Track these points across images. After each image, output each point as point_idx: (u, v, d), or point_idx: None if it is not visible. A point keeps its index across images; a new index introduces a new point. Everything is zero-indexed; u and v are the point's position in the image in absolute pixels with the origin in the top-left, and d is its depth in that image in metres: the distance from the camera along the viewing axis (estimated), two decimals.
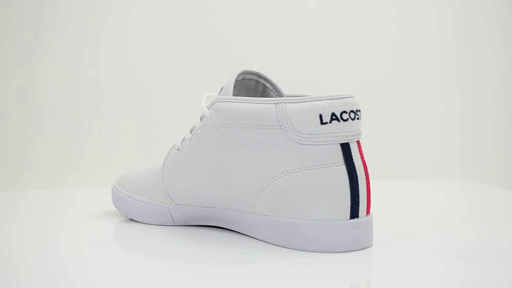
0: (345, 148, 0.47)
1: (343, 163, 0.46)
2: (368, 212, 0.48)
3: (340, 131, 0.46)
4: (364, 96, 1.32)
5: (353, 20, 1.21)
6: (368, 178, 0.48)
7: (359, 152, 0.48)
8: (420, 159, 1.13)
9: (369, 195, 0.48)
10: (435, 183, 0.93)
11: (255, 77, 0.55)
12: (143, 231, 0.55)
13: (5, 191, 0.87)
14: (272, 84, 0.56)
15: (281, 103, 0.47)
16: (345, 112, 0.47)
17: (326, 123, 0.46)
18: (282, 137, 0.47)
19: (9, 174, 1.02)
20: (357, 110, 0.48)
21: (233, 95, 0.54)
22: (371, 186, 0.48)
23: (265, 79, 0.56)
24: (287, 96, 0.55)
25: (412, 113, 1.19)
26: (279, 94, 0.56)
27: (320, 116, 0.46)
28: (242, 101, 0.49)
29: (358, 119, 0.48)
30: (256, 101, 0.48)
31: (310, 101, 0.46)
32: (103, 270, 0.44)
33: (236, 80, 0.54)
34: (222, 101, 0.50)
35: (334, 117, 0.46)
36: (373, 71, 1.20)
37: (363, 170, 0.47)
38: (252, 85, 0.56)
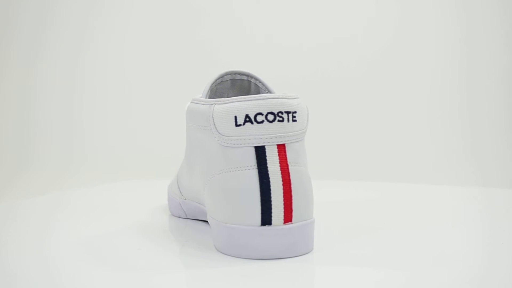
0: (259, 151, 0.45)
1: (255, 167, 0.45)
2: (287, 220, 0.45)
3: (254, 134, 0.45)
4: (362, 96, 1.20)
5: (351, 19, 1.20)
6: (288, 184, 0.45)
7: (279, 156, 0.45)
8: (419, 159, 1.11)
9: (289, 202, 0.45)
10: (432, 188, 0.84)
11: (245, 77, 0.56)
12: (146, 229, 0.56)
13: (7, 193, 0.89)
14: (263, 84, 0.55)
15: (213, 104, 0.48)
16: (260, 114, 0.45)
17: (240, 125, 0.45)
18: (212, 139, 0.48)
19: (10, 175, 1.04)
20: (279, 112, 0.45)
21: (232, 96, 0.55)
22: (294, 193, 0.45)
23: (256, 78, 0.56)
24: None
25: (411, 114, 1.18)
26: (270, 92, 0.55)
27: (235, 117, 0.45)
28: (197, 102, 0.51)
29: (280, 121, 0.45)
30: (202, 102, 0.50)
31: (231, 102, 0.46)
32: (104, 272, 0.44)
33: (231, 80, 0.56)
34: (190, 102, 0.53)
35: (247, 119, 0.45)
36: (371, 71, 1.19)
37: (280, 175, 0.45)
38: (247, 85, 0.57)
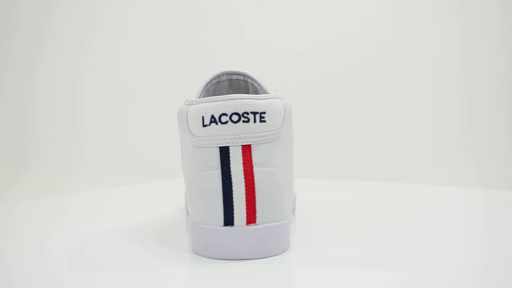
0: (223, 152, 0.45)
1: (219, 167, 0.45)
2: (250, 221, 0.45)
3: (219, 134, 0.45)
4: (362, 97, 1.18)
5: (351, 19, 1.18)
6: (251, 185, 0.45)
7: (243, 157, 0.45)
8: (420, 160, 1.11)
9: (251, 203, 0.45)
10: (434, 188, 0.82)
11: (241, 77, 0.56)
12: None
13: (7, 194, 0.89)
14: (259, 84, 0.55)
15: (189, 104, 0.48)
16: (224, 114, 0.45)
17: (206, 125, 0.46)
18: (187, 139, 0.49)
19: (9, 175, 1.04)
20: (244, 113, 0.45)
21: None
22: (258, 194, 0.45)
23: (252, 78, 0.56)
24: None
25: (412, 115, 1.17)
26: (265, 92, 0.55)
27: (203, 118, 0.46)
28: (185, 102, 0.52)
29: (245, 122, 0.45)
30: (186, 103, 0.51)
31: (201, 102, 0.47)
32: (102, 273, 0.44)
33: (228, 80, 0.57)
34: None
35: (213, 120, 0.45)
36: (372, 72, 1.19)
37: (242, 176, 0.45)
38: (244, 85, 0.57)
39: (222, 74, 0.55)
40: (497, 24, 1.16)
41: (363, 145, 1.18)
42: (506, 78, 1.16)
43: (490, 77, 1.16)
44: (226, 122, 0.45)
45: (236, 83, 0.56)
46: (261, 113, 0.45)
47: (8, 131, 1.15)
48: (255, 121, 0.45)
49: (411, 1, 1.22)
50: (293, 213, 0.64)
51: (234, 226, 0.45)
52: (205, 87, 0.55)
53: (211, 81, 0.55)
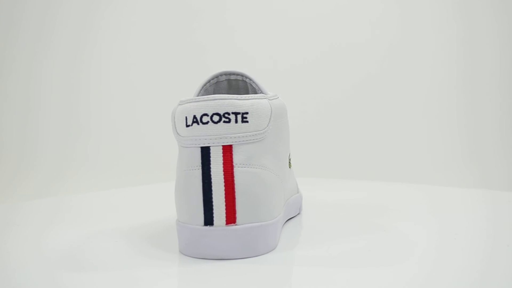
0: (204, 152, 0.46)
1: (200, 167, 0.46)
2: (230, 221, 0.45)
3: (200, 134, 0.46)
4: (363, 98, 1.18)
5: (350, 20, 1.17)
6: (231, 186, 0.45)
7: (223, 157, 0.45)
8: (421, 160, 1.12)
9: (231, 203, 0.45)
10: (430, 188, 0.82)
11: (240, 78, 0.56)
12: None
13: (6, 195, 0.88)
14: (256, 84, 0.55)
15: (178, 105, 0.49)
16: (206, 114, 0.45)
17: (189, 125, 0.46)
18: (176, 139, 0.49)
19: (9, 176, 1.04)
20: (225, 113, 0.45)
21: None
22: (238, 195, 0.45)
23: (250, 79, 0.56)
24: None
25: (413, 115, 1.18)
26: (261, 92, 0.55)
27: (186, 118, 0.47)
28: (178, 103, 0.53)
29: (226, 122, 0.45)
30: (179, 103, 0.51)
31: (187, 103, 0.47)
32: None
33: (227, 81, 0.57)
34: None
35: (195, 120, 0.46)
36: (371, 73, 1.19)
37: (222, 177, 0.45)
38: (243, 85, 0.57)
39: (221, 74, 0.56)
40: (498, 24, 1.15)
41: (364, 145, 1.18)
42: (508, 78, 1.15)
43: (491, 78, 1.16)
44: (207, 123, 0.45)
45: (235, 83, 0.56)
46: (243, 113, 0.45)
47: (8, 131, 1.15)
48: (236, 121, 0.45)
49: (411, 2, 1.22)
50: (299, 213, 0.63)
51: (214, 226, 0.45)
52: (203, 87, 0.55)
53: (209, 81, 0.56)
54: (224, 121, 0.45)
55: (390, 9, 1.21)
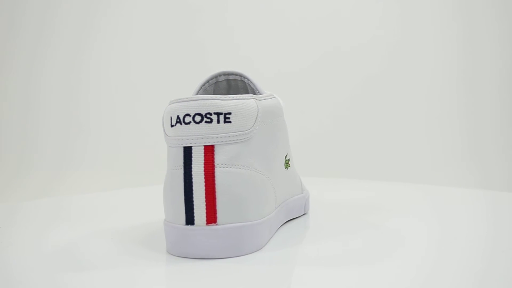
0: (186, 152, 0.46)
1: (182, 167, 0.46)
2: (211, 221, 0.45)
3: (183, 135, 0.46)
4: (362, 98, 1.19)
5: (350, 19, 1.17)
6: (211, 186, 0.45)
7: (204, 157, 0.46)
8: (422, 160, 1.11)
9: (211, 203, 0.45)
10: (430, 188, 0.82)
11: (239, 77, 0.56)
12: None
13: (6, 195, 0.87)
14: (254, 84, 0.55)
15: (168, 105, 0.50)
16: (188, 115, 0.46)
17: (173, 125, 0.47)
18: (164, 139, 0.50)
19: (8, 177, 1.02)
20: (207, 113, 0.46)
21: None
22: (218, 195, 0.45)
23: (248, 79, 0.56)
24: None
25: (415, 116, 1.16)
26: (259, 93, 0.55)
27: (171, 118, 0.47)
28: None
29: (208, 122, 0.45)
30: (168, 103, 0.52)
31: (173, 103, 0.48)
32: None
33: (226, 81, 0.57)
34: None
35: (178, 120, 0.46)
36: (371, 74, 1.19)
37: (203, 176, 0.45)
38: (242, 85, 0.57)
39: (219, 74, 0.56)
40: (498, 24, 1.15)
41: (364, 145, 1.19)
42: (506, 78, 1.15)
43: (490, 78, 1.16)
44: (189, 123, 0.45)
45: (234, 83, 0.57)
46: (225, 113, 0.45)
47: (8, 131, 1.18)
48: (218, 121, 0.45)
49: (411, 2, 1.22)
50: (305, 213, 0.63)
51: (195, 225, 0.45)
52: (201, 87, 0.56)
53: (208, 81, 0.56)
54: (206, 121, 0.45)
55: (390, 10, 1.21)
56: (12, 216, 0.67)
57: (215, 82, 0.57)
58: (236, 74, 0.56)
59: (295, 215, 0.60)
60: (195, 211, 0.45)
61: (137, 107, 1.22)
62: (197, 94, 0.55)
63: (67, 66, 1.21)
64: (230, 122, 0.45)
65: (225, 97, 0.46)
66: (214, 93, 0.57)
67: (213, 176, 0.45)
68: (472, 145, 1.14)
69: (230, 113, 0.45)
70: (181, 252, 0.46)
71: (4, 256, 0.49)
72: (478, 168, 1.07)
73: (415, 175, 1.06)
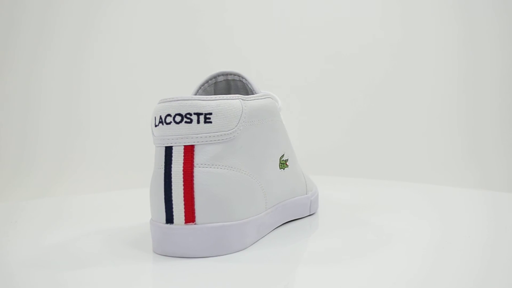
0: (167, 152, 0.47)
1: (163, 166, 0.47)
2: (189, 220, 0.46)
3: (164, 135, 0.47)
4: (363, 98, 1.18)
5: (350, 19, 1.16)
6: (190, 185, 0.45)
7: (184, 157, 0.46)
8: (423, 160, 1.11)
9: (189, 203, 0.45)
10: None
11: (237, 78, 0.57)
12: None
13: (6, 195, 0.86)
14: (251, 85, 0.55)
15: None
16: (169, 115, 0.46)
17: (157, 125, 0.48)
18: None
19: (8, 177, 1.01)
20: (187, 114, 0.46)
21: None
22: (197, 194, 0.46)
23: (246, 79, 0.56)
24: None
25: (416, 117, 1.17)
26: (255, 93, 0.55)
27: (155, 118, 0.48)
28: None
29: (188, 122, 0.46)
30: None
31: (158, 103, 0.49)
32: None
33: (225, 81, 0.58)
34: None
35: (160, 120, 0.47)
36: (371, 75, 1.19)
37: (181, 176, 0.46)
38: (241, 85, 0.57)
39: (218, 74, 0.56)
40: (498, 24, 1.13)
41: (364, 144, 1.18)
42: (507, 78, 1.13)
43: (491, 78, 1.14)
44: (170, 123, 0.46)
45: (233, 83, 0.57)
46: (206, 114, 0.45)
47: (8, 131, 1.18)
48: (198, 122, 0.45)
49: (412, 3, 1.20)
50: (311, 214, 0.62)
51: (174, 224, 0.46)
52: (201, 87, 0.56)
53: (207, 81, 0.56)
54: (186, 122, 0.45)
55: (390, 11, 1.20)
56: (12, 216, 0.67)
57: (215, 83, 0.57)
58: (235, 74, 0.56)
59: (297, 215, 0.59)
60: (174, 210, 0.45)
61: (137, 107, 1.22)
62: (195, 94, 0.55)
63: (67, 66, 1.22)
64: (210, 122, 0.45)
65: (207, 98, 0.46)
66: (215, 93, 0.57)
67: (192, 176, 0.45)
68: (472, 145, 1.12)
69: (211, 114, 0.45)
70: (162, 250, 0.46)
71: (4, 256, 0.49)
72: (478, 168, 1.05)
73: (415, 175, 1.03)
